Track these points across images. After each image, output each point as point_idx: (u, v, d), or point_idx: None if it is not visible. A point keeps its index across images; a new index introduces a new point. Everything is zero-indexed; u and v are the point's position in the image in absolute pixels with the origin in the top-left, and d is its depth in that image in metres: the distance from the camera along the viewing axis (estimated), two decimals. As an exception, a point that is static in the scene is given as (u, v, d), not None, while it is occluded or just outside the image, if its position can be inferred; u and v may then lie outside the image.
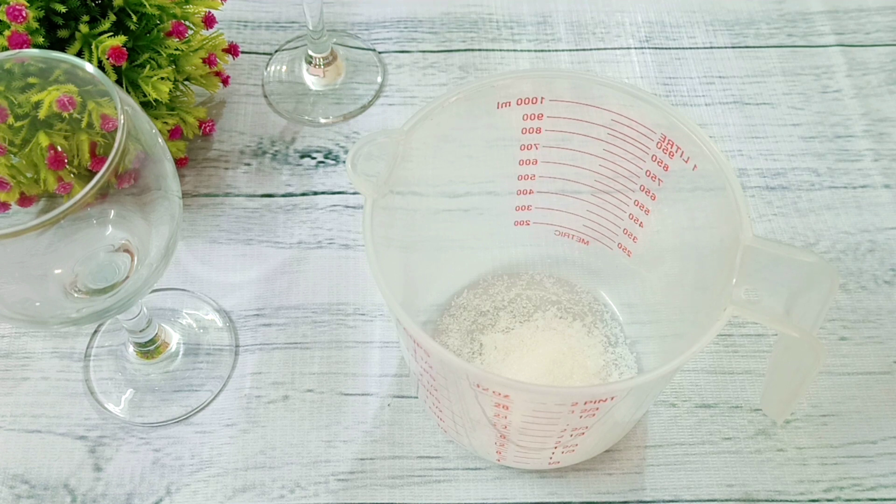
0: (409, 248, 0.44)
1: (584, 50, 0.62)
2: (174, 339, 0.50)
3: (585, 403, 0.36)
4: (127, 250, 0.39)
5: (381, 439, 0.47)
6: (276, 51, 0.62)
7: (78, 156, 0.41)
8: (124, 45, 0.47)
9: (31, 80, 0.38)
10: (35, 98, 0.38)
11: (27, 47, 0.45)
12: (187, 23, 0.51)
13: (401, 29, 0.63)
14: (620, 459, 0.46)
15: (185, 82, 0.54)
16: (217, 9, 0.53)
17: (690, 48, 0.62)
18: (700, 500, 0.45)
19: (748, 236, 0.35)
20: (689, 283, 0.42)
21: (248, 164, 0.56)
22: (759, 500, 0.45)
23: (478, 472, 0.46)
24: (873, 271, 0.52)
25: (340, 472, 0.46)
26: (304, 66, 0.60)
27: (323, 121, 0.58)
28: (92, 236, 0.38)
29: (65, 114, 0.38)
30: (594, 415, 0.37)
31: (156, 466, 0.46)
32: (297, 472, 0.46)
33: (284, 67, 0.61)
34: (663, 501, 0.45)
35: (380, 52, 0.62)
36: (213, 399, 0.48)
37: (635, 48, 0.62)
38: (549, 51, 0.62)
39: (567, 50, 0.62)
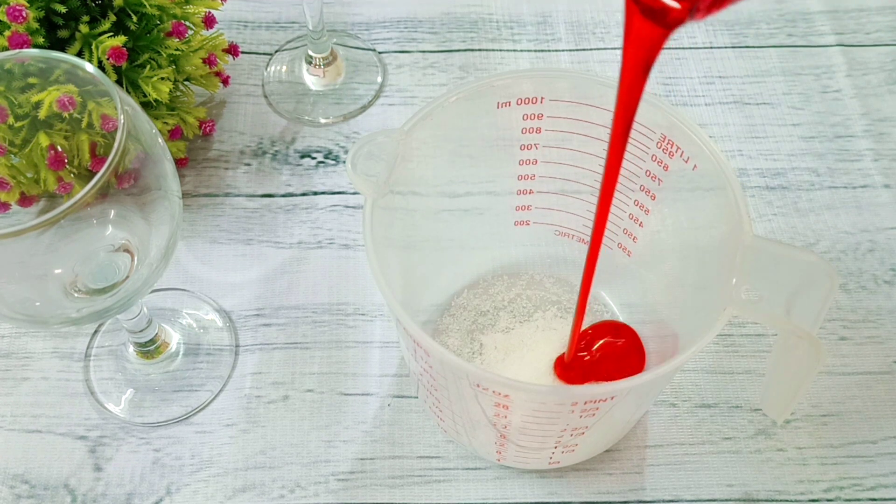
0: (409, 248, 0.44)
1: (584, 50, 0.62)
2: (174, 339, 0.50)
3: (585, 403, 0.36)
4: (127, 250, 0.39)
5: (381, 439, 0.47)
6: (276, 51, 0.62)
7: (78, 156, 0.41)
8: (124, 46, 0.47)
9: (32, 80, 0.38)
10: (35, 98, 0.38)
11: (27, 47, 0.45)
12: (187, 23, 0.51)
13: (401, 29, 0.63)
14: (620, 459, 0.46)
15: (185, 82, 0.54)
16: (217, 9, 0.53)
17: (690, 48, 0.62)
18: (700, 500, 0.45)
19: (748, 236, 0.35)
20: (689, 283, 0.42)
21: (248, 164, 0.56)
22: (759, 500, 0.45)
23: (478, 472, 0.46)
24: (873, 271, 0.52)
25: (340, 472, 0.46)
26: (304, 66, 0.60)
27: (323, 121, 0.59)
28: (92, 236, 0.38)
29: (65, 114, 0.38)
30: (594, 415, 0.37)
31: (156, 466, 0.46)
32: (297, 472, 0.46)
33: (284, 67, 0.61)
34: (663, 501, 0.45)
35: (380, 52, 0.62)
36: (213, 399, 0.48)
37: (635, 48, 0.62)
38: (549, 51, 0.62)
39: (567, 50, 0.62)
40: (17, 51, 0.38)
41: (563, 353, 0.45)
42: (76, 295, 0.38)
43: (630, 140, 0.41)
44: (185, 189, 0.55)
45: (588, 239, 0.47)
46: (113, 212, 0.37)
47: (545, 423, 0.38)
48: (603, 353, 0.46)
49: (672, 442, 0.47)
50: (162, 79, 0.49)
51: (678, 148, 0.39)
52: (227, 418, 0.47)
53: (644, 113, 0.40)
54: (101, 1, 0.49)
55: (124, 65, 0.48)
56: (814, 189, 0.55)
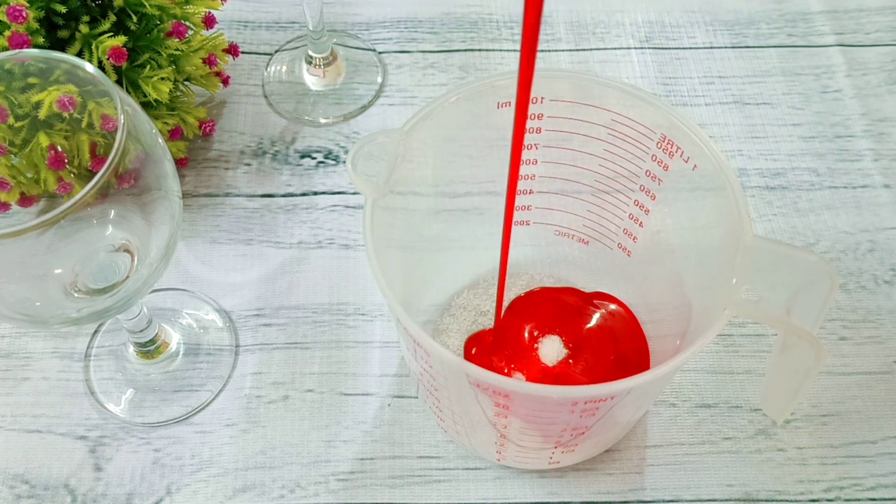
0: (409, 248, 0.44)
1: (584, 50, 0.62)
2: (174, 339, 0.50)
3: (585, 403, 0.36)
4: (127, 250, 0.39)
5: (381, 439, 0.47)
6: (277, 51, 0.62)
7: (78, 156, 0.41)
8: (124, 46, 0.47)
9: (32, 80, 0.38)
10: (35, 98, 0.38)
11: (27, 47, 0.45)
12: (187, 23, 0.51)
13: (401, 29, 0.63)
14: (620, 459, 0.46)
15: (186, 82, 0.54)
16: (217, 9, 0.53)
17: (690, 48, 0.62)
18: (700, 500, 0.45)
19: (748, 236, 0.35)
20: (689, 283, 0.42)
21: (249, 165, 0.56)
22: (759, 500, 0.45)
23: (478, 472, 0.46)
24: (873, 271, 0.52)
25: (340, 472, 0.46)
26: (305, 66, 0.60)
27: (323, 121, 0.59)
28: (92, 236, 0.38)
29: (65, 114, 0.38)
30: (594, 415, 0.37)
31: (156, 466, 0.46)
32: (297, 472, 0.46)
33: (284, 67, 0.61)
34: (663, 501, 0.45)
35: (380, 52, 0.62)
36: (214, 399, 0.48)
37: (635, 48, 0.62)
38: (549, 51, 0.62)
39: (567, 50, 0.62)
40: (17, 51, 0.38)
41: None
42: (76, 295, 0.38)
43: (630, 140, 0.41)
44: (185, 189, 0.55)
45: (588, 238, 0.47)
46: (113, 212, 0.37)
47: (545, 423, 0.38)
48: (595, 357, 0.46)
49: (672, 442, 0.47)
50: (162, 79, 0.49)
51: (678, 148, 0.39)
52: (227, 418, 0.47)
53: (644, 113, 0.40)
54: (101, 1, 0.49)
55: (124, 65, 0.48)
56: (814, 189, 0.55)
